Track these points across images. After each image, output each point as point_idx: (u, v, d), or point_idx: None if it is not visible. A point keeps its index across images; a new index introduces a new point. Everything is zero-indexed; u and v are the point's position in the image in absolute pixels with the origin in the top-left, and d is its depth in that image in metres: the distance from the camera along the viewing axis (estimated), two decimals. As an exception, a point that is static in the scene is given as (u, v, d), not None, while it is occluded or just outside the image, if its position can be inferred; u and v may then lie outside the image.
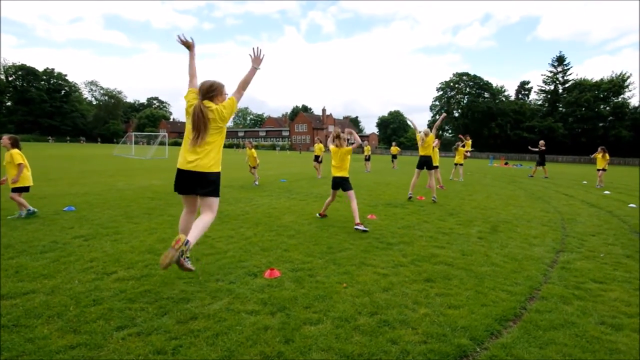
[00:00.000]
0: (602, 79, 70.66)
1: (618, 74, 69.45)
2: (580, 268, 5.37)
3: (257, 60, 4.64)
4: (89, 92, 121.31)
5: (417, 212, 9.29)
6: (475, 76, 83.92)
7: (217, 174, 4.26)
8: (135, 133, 51.93)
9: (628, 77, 68.50)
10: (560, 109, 74.34)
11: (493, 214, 9.48)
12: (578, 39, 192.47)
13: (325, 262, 5.30)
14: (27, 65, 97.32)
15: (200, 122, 4.08)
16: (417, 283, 4.63)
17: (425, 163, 10.97)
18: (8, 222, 7.06)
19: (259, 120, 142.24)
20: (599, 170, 17.74)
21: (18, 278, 4.38)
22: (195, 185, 4.28)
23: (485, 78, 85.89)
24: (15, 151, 7.50)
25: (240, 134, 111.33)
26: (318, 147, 18.98)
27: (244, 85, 4.53)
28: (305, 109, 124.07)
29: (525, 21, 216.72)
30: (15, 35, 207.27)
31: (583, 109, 69.03)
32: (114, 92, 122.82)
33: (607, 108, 68.35)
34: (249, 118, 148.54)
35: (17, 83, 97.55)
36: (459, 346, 3.18)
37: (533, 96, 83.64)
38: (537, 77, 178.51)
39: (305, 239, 6.55)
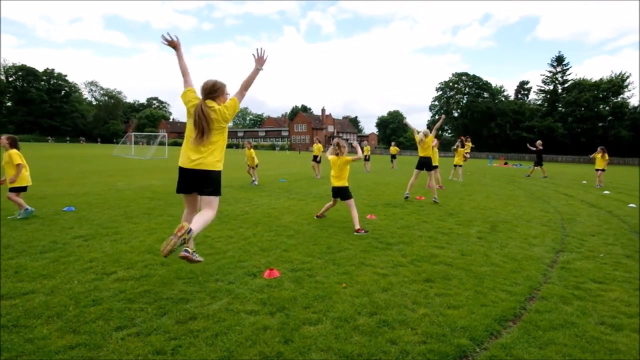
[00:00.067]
0: (601, 79, 70.69)
1: (617, 74, 69.50)
2: (580, 268, 5.37)
3: (260, 61, 4.63)
4: (89, 92, 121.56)
5: (416, 212, 9.29)
6: (474, 76, 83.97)
7: (219, 173, 4.26)
8: (135, 133, 51.93)
9: (627, 77, 68.56)
10: (560, 108, 74.36)
11: (492, 214, 9.49)
12: (577, 39, 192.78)
13: (324, 262, 5.30)
14: (27, 65, 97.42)
15: (203, 122, 4.07)
16: (416, 283, 4.63)
17: (425, 164, 10.96)
18: (8, 222, 7.05)
19: (259, 120, 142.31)
20: (597, 170, 17.75)
21: (18, 278, 4.38)
22: (197, 183, 4.27)
23: (485, 78, 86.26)
24: (14, 151, 7.49)
25: (240, 134, 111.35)
26: (317, 147, 18.95)
27: (246, 85, 4.53)
28: (304, 109, 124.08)
29: (524, 21, 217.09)
30: (15, 36, 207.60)
31: (582, 108, 69.04)
32: (113, 93, 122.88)
33: (607, 108, 68.38)
34: (248, 118, 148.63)
35: (17, 83, 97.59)
36: (458, 346, 3.18)
37: (532, 96, 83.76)
38: (536, 77, 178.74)
39: (304, 239, 6.54)
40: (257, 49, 4.65)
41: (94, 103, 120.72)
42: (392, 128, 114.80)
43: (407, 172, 21.59)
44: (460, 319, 3.68)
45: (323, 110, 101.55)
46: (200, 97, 4.31)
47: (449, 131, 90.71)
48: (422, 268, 5.17)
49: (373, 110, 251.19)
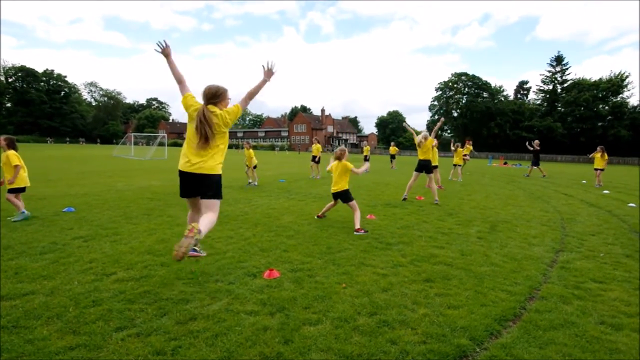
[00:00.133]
0: (600, 79, 70.72)
1: (617, 73, 69.54)
2: (579, 268, 5.37)
3: (268, 74, 4.66)
4: (89, 93, 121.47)
5: (416, 212, 9.29)
6: (474, 76, 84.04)
7: (219, 176, 4.26)
8: (135, 134, 51.88)
9: (627, 76, 68.59)
10: (559, 108, 74.42)
11: (492, 213, 9.49)
12: (577, 39, 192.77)
13: (324, 263, 5.30)
14: (27, 66, 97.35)
15: (206, 127, 4.07)
16: (416, 283, 4.63)
17: (424, 167, 10.95)
18: (8, 223, 7.05)
19: (258, 121, 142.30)
20: (597, 169, 17.74)
21: (17, 279, 4.38)
22: (198, 186, 4.27)
23: (484, 78, 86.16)
24: (12, 152, 7.46)
25: (240, 135, 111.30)
26: (316, 148, 18.90)
27: (251, 95, 4.56)
28: (304, 109, 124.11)
29: (524, 21, 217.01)
30: (15, 37, 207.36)
31: (582, 108, 69.12)
32: (113, 93, 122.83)
33: (606, 108, 68.44)
34: (248, 118, 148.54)
35: (17, 84, 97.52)
36: (458, 346, 3.18)
37: (532, 96, 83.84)
38: (535, 77, 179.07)
39: (304, 239, 6.54)
40: (267, 62, 4.69)
41: (94, 104, 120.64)
42: (392, 128, 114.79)
43: (406, 172, 21.59)
44: (460, 319, 3.68)
45: (322, 111, 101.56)
46: (202, 102, 4.31)
47: (449, 131, 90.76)
48: (422, 268, 5.18)
49: (373, 110, 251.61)
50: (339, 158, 7.66)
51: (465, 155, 20.88)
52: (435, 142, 14.09)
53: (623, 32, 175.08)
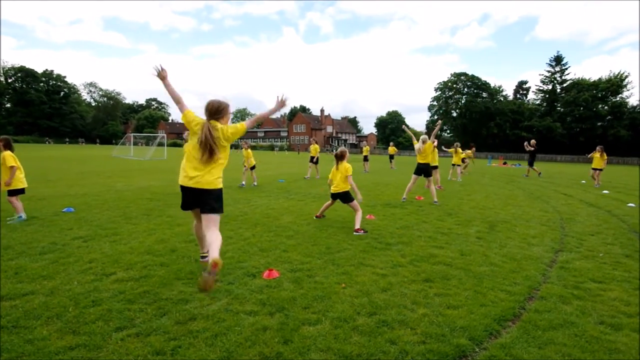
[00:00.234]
0: (600, 79, 70.68)
1: (616, 73, 69.50)
2: (579, 268, 5.37)
3: (281, 105, 4.63)
4: (88, 93, 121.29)
5: (415, 213, 9.30)
6: (473, 76, 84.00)
7: (219, 191, 4.23)
8: (134, 134, 51.91)
9: (626, 76, 68.57)
10: (559, 108, 74.36)
11: (492, 213, 9.49)
12: (576, 38, 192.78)
13: (324, 263, 5.30)
14: (27, 67, 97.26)
15: (211, 142, 4.06)
16: (415, 283, 4.64)
17: (424, 170, 10.95)
18: (7, 224, 7.05)
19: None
20: (595, 169, 17.72)
21: (17, 279, 4.38)
22: (197, 201, 4.25)
23: (484, 78, 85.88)
24: (8, 153, 7.34)
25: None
26: (314, 148, 18.81)
27: (259, 119, 4.62)
28: (303, 109, 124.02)
29: (523, 21, 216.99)
30: (15, 37, 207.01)
31: (581, 108, 69.06)
32: (112, 94, 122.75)
33: (606, 107, 68.38)
34: (247, 118, 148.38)
35: (17, 85, 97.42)
36: (457, 346, 3.19)
37: (531, 96, 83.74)
38: (535, 77, 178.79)
39: (303, 239, 6.55)
40: (282, 94, 4.69)
41: (93, 104, 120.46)
42: (391, 128, 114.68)
43: (406, 172, 21.60)
44: (459, 318, 3.69)
45: (322, 111, 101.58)
46: (205, 117, 4.29)
47: (448, 131, 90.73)
48: (422, 268, 5.18)
49: (372, 110, 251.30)
50: (340, 158, 7.64)
51: (464, 159, 21.13)
52: (435, 142, 14.13)
53: (622, 32, 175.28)
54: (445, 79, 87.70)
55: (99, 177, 16.48)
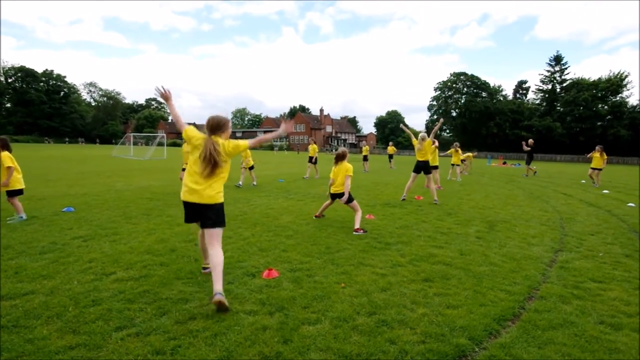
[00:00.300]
0: (599, 78, 70.68)
1: (616, 73, 69.50)
2: (579, 267, 5.38)
3: (287, 128, 4.58)
4: (88, 93, 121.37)
5: (415, 212, 9.30)
6: (472, 76, 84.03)
7: (220, 205, 4.22)
8: (134, 134, 51.93)
9: (626, 76, 68.57)
10: (558, 108, 74.38)
11: (491, 213, 9.50)
12: (576, 38, 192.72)
13: (323, 262, 5.31)
14: (27, 67, 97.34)
15: (213, 156, 4.06)
16: (415, 283, 4.64)
17: (423, 168, 10.96)
18: (8, 224, 7.05)
19: (257, 121, 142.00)
20: (595, 169, 17.71)
21: (17, 279, 4.38)
22: (199, 215, 4.25)
23: (483, 78, 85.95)
24: (5, 154, 7.26)
25: (239, 135, 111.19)
26: (312, 148, 18.72)
27: (261, 141, 4.54)
28: (303, 109, 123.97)
29: (522, 21, 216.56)
30: (15, 37, 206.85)
31: (581, 108, 69.08)
32: (112, 94, 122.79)
33: (605, 107, 68.39)
34: (247, 118, 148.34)
35: (17, 85, 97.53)
36: (457, 346, 3.19)
37: (531, 95, 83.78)
38: (534, 76, 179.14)
39: (303, 239, 6.55)
40: (289, 119, 4.66)
41: (93, 104, 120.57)
42: (391, 128, 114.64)
43: (405, 172, 21.60)
44: (459, 318, 3.69)
45: (321, 111, 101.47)
46: (206, 133, 4.27)
47: (447, 131, 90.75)
48: (421, 268, 5.18)
49: (372, 110, 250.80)
50: (341, 158, 7.62)
51: (463, 160, 21.29)
52: (436, 142, 14.16)
53: (622, 31, 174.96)
54: (445, 79, 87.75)
55: (99, 177, 16.48)
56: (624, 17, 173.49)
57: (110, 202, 9.69)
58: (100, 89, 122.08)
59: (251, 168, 14.85)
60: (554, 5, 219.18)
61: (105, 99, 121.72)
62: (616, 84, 68.13)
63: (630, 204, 11.42)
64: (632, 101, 68.67)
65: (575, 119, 70.79)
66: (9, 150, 7.36)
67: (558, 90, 76.54)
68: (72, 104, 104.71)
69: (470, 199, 11.93)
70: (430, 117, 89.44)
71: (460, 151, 19.14)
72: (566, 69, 76.59)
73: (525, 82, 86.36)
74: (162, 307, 3.76)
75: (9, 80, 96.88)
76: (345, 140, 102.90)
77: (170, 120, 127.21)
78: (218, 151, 4.05)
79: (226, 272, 4.77)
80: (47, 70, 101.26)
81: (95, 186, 12.97)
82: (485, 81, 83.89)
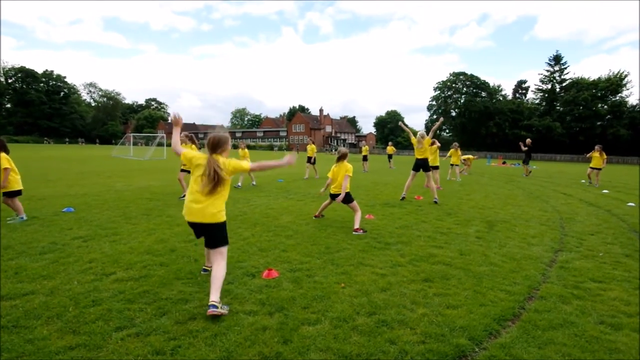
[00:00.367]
0: (599, 78, 70.63)
1: (616, 72, 69.44)
2: (579, 267, 5.38)
3: (291, 160, 4.55)
4: (88, 93, 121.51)
5: (414, 212, 9.30)
6: (472, 76, 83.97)
7: (222, 224, 4.21)
8: (134, 134, 51.92)
9: (626, 75, 68.52)
10: (558, 107, 74.32)
11: (491, 213, 9.50)
12: (575, 38, 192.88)
13: (323, 263, 5.31)
14: (27, 67, 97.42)
15: (216, 174, 4.05)
16: (415, 283, 4.64)
17: (422, 166, 10.96)
18: (8, 224, 7.05)
19: (257, 121, 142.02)
20: (594, 169, 17.69)
21: (18, 279, 4.39)
22: (202, 233, 4.26)
23: (483, 78, 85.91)
24: (2, 155, 7.21)
25: (238, 135, 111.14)
26: (310, 148, 18.58)
27: (263, 166, 4.44)
28: (302, 109, 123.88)
29: (522, 21, 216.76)
30: (15, 37, 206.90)
31: (580, 107, 69.02)
32: (112, 94, 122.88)
33: (605, 107, 68.33)
34: (246, 118, 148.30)
35: (17, 85, 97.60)
36: (457, 346, 3.19)
37: (530, 95, 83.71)
38: (534, 76, 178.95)
39: (303, 239, 6.55)
40: (295, 153, 4.61)
41: (93, 104, 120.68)
42: (390, 128, 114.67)
43: (405, 172, 21.59)
44: (459, 318, 3.69)
45: (321, 111, 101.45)
46: (207, 152, 4.26)
47: (447, 131, 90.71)
48: (421, 268, 5.18)
49: (371, 110, 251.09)
50: (342, 158, 7.61)
51: (464, 160, 21.37)
52: (438, 144, 14.18)
53: (621, 31, 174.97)
54: (445, 79, 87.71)
55: (99, 177, 16.48)
56: (623, 16, 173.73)
57: (110, 203, 9.69)
58: (100, 89, 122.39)
59: None
60: (554, 5, 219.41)
61: (105, 99, 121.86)
62: (616, 83, 68.03)
63: (630, 204, 11.42)
64: (632, 101, 68.51)
65: (575, 119, 70.72)
66: (6, 152, 7.32)
67: (558, 90, 76.47)
68: (72, 104, 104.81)
69: (470, 199, 11.93)
70: (430, 117, 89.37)
71: (459, 151, 19.14)
72: (566, 68, 76.52)
73: (524, 81, 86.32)
74: (162, 307, 3.76)
75: (9, 81, 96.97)
76: (344, 140, 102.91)
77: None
78: (220, 169, 4.05)
79: (226, 272, 4.76)
80: (47, 70, 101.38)
81: (95, 186, 12.97)
82: (484, 81, 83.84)
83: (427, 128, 74.82)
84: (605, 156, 17.59)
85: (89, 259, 5.18)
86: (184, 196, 10.26)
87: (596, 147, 17.72)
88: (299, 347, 3.13)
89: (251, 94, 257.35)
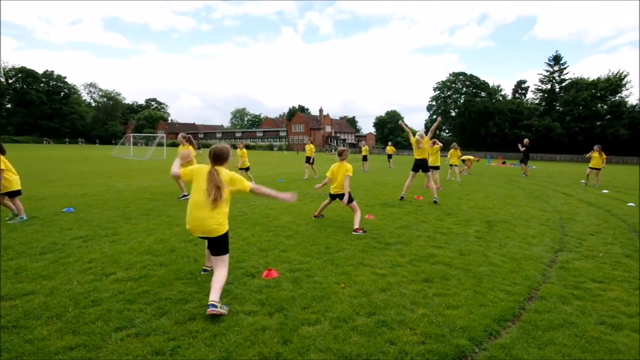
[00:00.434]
0: (599, 78, 70.59)
1: (615, 72, 69.40)
2: (579, 268, 5.37)
3: (292, 198, 4.49)
4: (88, 94, 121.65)
5: (414, 212, 9.30)
6: (471, 76, 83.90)
7: (224, 235, 4.20)
8: (134, 134, 51.94)
9: (625, 75, 68.48)
10: (558, 107, 74.29)
11: (491, 213, 9.49)
12: (575, 38, 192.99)
13: (323, 263, 5.31)
14: (27, 67, 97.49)
15: (217, 193, 4.05)
16: (415, 283, 4.64)
17: (421, 166, 10.96)
18: (7, 224, 7.05)
19: (257, 121, 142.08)
20: (594, 169, 17.66)
21: (17, 279, 4.38)
22: (205, 239, 4.26)
23: (483, 78, 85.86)
24: None
25: (238, 135, 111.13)
26: (309, 148, 18.51)
27: (265, 194, 4.36)
28: (302, 109, 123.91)
29: (522, 21, 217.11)
30: (15, 38, 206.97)
31: (580, 107, 68.97)
32: (112, 94, 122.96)
33: (605, 107, 68.30)
34: (246, 118, 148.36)
35: (17, 85, 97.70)
36: (457, 347, 3.19)
37: (530, 95, 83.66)
38: (533, 76, 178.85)
39: (302, 239, 6.55)
40: (293, 197, 4.50)
41: (93, 104, 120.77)
42: (390, 128, 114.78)
43: (404, 172, 21.59)
44: (459, 319, 3.69)
45: (321, 111, 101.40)
46: (210, 162, 4.26)
47: (447, 131, 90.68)
48: (421, 268, 5.18)
49: (371, 110, 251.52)
50: (341, 156, 7.61)
51: (464, 160, 21.44)
52: (439, 144, 14.18)
53: (621, 30, 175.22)
54: (444, 79, 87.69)
55: (99, 177, 16.48)
56: (623, 16, 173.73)
57: (110, 203, 9.69)
58: (100, 90, 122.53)
59: (246, 169, 14.83)
60: (553, 5, 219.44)
61: (105, 99, 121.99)
62: (615, 83, 67.96)
63: (630, 204, 11.42)
64: (632, 101, 68.37)
65: (575, 119, 70.67)
66: (3, 153, 7.31)
67: (557, 90, 76.42)
68: (72, 104, 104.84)
69: (470, 199, 11.93)
70: (429, 117, 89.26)
71: (459, 151, 19.13)
72: (565, 68, 76.47)
73: (524, 81, 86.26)
74: (161, 307, 3.76)
75: (10, 81, 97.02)
76: (344, 140, 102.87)
77: (169, 121, 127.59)
78: (222, 181, 4.06)
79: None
80: (47, 71, 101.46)
81: (95, 186, 12.97)
82: (484, 81, 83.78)
83: (427, 128, 74.84)
84: (604, 156, 17.56)
85: (88, 259, 5.18)
86: (183, 196, 10.27)
87: (595, 147, 17.67)
88: (299, 347, 3.13)
89: (251, 94, 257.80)
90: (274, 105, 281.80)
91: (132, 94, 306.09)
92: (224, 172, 4.13)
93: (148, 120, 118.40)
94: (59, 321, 3.42)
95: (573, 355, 3.13)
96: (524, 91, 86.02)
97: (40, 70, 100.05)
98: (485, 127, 78.75)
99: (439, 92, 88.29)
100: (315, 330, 3.41)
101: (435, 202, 10.68)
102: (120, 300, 3.90)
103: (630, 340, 3.38)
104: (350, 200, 7.51)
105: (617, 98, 68.38)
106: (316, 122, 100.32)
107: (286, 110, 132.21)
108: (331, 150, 76.72)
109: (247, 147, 16.36)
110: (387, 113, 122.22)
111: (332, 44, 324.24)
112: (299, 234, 6.91)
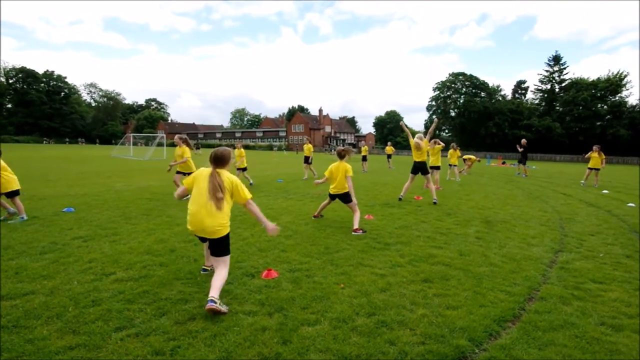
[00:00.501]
0: (599, 78, 70.57)
1: (615, 72, 69.38)
2: (579, 268, 5.37)
3: (275, 232, 4.43)
4: (88, 94, 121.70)
5: (414, 212, 9.29)
6: (471, 76, 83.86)
7: (225, 237, 4.20)
8: (134, 134, 51.94)
9: (625, 75, 68.47)
10: (557, 108, 74.27)
11: (491, 213, 9.49)
12: (575, 38, 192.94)
13: (322, 263, 5.31)
14: (27, 67, 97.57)
15: (219, 189, 4.05)
16: (414, 283, 4.64)
17: (420, 169, 10.96)
18: (8, 224, 7.05)
19: (256, 121, 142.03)
20: (593, 169, 17.63)
21: (18, 279, 4.39)
22: (206, 241, 4.26)
23: (482, 78, 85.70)
24: None
25: (238, 135, 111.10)
26: (307, 148, 18.50)
27: (255, 213, 4.28)
28: (302, 109, 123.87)
29: (521, 21, 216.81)
30: (15, 38, 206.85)
31: (580, 107, 68.96)
32: (112, 94, 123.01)
33: (605, 107, 68.29)
34: (246, 119, 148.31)
35: (18, 85, 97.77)
36: (457, 347, 3.19)
37: (530, 95, 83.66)
38: (533, 76, 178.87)
39: (302, 239, 6.55)
40: (276, 230, 4.41)
41: (93, 104, 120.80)
42: (390, 128, 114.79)
43: (404, 172, 21.58)
44: (459, 319, 3.68)
45: (320, 111, 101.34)
46: (211, 165, 4.25)
47: (446, 131, 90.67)
48: (421, 268, 5.18)
49: (371, 110, 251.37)
50: (340, 156, 7.61)
51: (465, 160, 21.53)
52: (441, 144, 14.20)
53: (621, 30, 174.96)
54: (444, 79, 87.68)
55: (99, 177, 16.48)
56: (623, 16, 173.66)
57: (110, 203, 9.69)
58: (101, 90, 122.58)
59: (244, 169, 14.83)
60: (553, 5, 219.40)
61: (105, 99, 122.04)
62: (615, 83, 67.94)
63: (630, 204, 11.42)
64: (632, 101, 68.37)
65: (575, 119, 70.65)
66: None
67: (557, 90, 76.42)
68: (72, 104, 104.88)
69: (470, 199, 11.92)
70: (429, 117, 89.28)
71: (459, 151, 19.14)
72: (565, 68, 76.49)
73: (524, 82, 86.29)
74: (161, 307, 3.76)
75: (10, 81, 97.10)
76: (344, 140, 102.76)
77: (169, 121, 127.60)
78: (223, 184, 4.06)
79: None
80: (47, 71, 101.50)
81: (95, 186, 12.97)
82: (484, 81, 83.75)
83: (427, 128, 74.80)
84: (603, 156, 17.53)
85: (88, 259, 5.18)
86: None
87: (594, 147, 17.62)
88: (299, 347, 3.13)
89: (251, 94, 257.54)
90: (273, 106, 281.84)
91: (132, 94, 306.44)
92: (226, 175, 4.14)
93: (148, 120, 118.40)
94: (59, 321, 3.43)
95: (573, 356, 3.12)
96: (523, 91, 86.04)
97: (40, 71, 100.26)
98: (485, 127, 78.72)
99: (438, 92, 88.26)
100: (315, 330, 3.42)
101: (434, 203, 10.67)
102: (120, 300, 3.90)
103: (630, 341, 3.38)
104: (349, 200, 7.51)
105: (617, 98, 68.37)
106: (316, 122, 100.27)
107: (286, 111, 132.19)
108: (331, 151, 76.68)
109: (247, 147, 16.30)
110: (387, 113, 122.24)
111: (331, 44, 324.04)
112: (299, 234, 6.91)
